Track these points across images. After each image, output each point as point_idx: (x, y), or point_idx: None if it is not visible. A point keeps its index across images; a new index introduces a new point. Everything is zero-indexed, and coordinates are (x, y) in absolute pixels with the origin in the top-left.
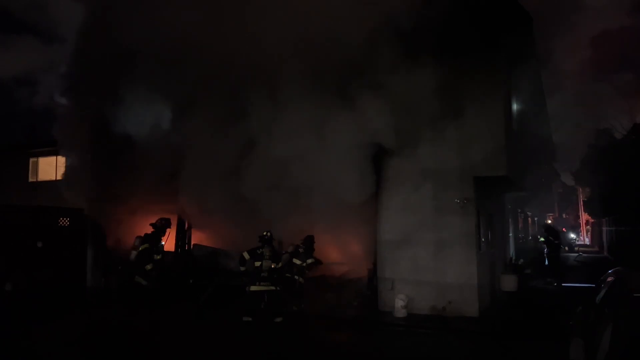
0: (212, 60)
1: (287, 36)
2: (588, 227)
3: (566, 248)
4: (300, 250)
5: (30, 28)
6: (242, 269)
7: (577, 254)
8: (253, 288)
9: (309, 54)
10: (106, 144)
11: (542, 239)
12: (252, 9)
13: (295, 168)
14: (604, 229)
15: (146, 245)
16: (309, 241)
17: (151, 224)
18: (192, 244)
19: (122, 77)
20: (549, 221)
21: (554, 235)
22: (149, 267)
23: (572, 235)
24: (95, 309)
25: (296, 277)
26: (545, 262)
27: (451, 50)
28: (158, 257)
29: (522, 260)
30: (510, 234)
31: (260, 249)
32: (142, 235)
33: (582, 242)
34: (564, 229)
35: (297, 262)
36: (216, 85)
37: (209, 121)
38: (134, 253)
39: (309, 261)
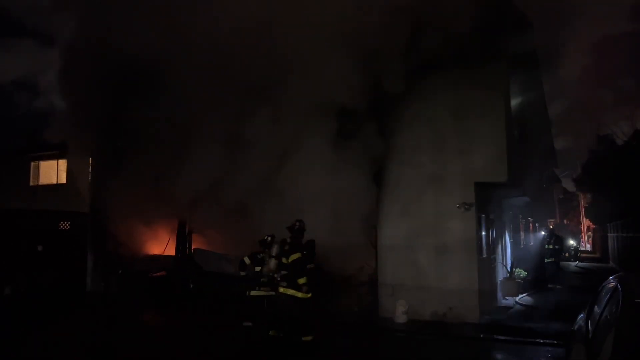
0: (209, 60)
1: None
2: (589, 233)
3: (566, 254)
4: None
5: (30, 31)
6: (242, 273)
7: (576, 262)
8: (253, 293)
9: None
10: (107, 148)
11: (548, 246)
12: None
13: (295, 172)
14: (610, 235)
15: (298, 255)
16: (310, 246)
17: (288, 227)
18: (192, 248)
19: (123, 81)
20: (551, 227)
21: (556, 241)
22: (302, 280)
23: (572, 242)
24: (95, 312)
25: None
26: (545, 267)
27: (452, 56)
28: (311, 265)
29: (523, 266)
30: (511, 240)
31: (261, 254)
32: (280, 241)
33: (584, 248)
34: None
35: None
36: (215, 88)
37: (208, 124)
38: (273, 262)
39: (310, 266)
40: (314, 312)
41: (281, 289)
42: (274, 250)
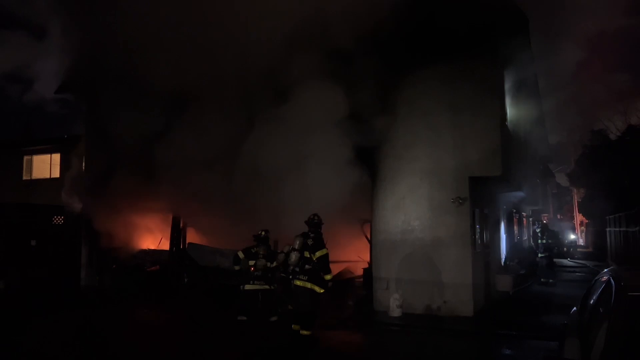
0: (205, 55)
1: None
2: (582, 228)
3: (565, 249)
4: None
5: (22, 23)
6: (237, 268)
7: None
8: (247, 287)
9: (303, 56)
10: (101, 143)
11: (541, 241)
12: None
13: (289, 167)
14: (608, 229)
15: (325, 252)
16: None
17: (306, 221)
18: (186, 242)
19: (116, 75)
20: (544, 221)
21: (549, 236)
22: (328, 277)
23: (572, 237)
24: (89, 307)
25: (291, 277)
26: (538, 262)
27: (447, 51)
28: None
29: (517, 260)
30: (505, 234)
31: (255, 248)
32: (302, 234)
33: (577, 243)
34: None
35: None
36: (209, 83)
37: (203, 119)
38: (295, 254)
39: None
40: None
41: (298, 282)
42: (297, 243)
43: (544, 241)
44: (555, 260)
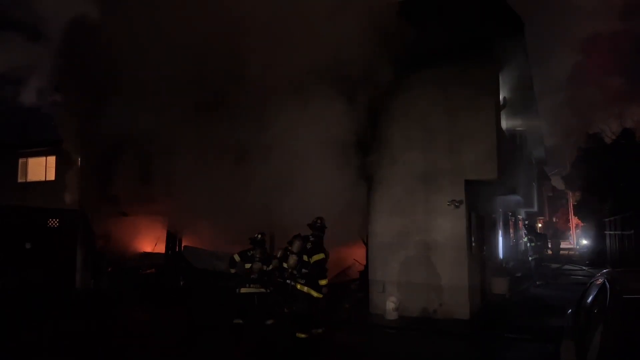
0: (202, 61)
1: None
2: (578, 230)
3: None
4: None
5: (18, 24)
6: (232, 271)
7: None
8: (243, 290)
9: (300, 62)
10: (96, 145)
11: (531, 244)
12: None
13: (285, 168)
14: (607, 233)
15: (322, 256)
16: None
17: (309, 225)
18: (182, 245)
19: (114, 76)
20: (539, 224)
21: (535, 237)
22: (323, 282)
23: (585, 242)
24: (85, 310)
25: (288, 281)
26: (530, 265)
27: (443, 54)
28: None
29: (512, 263)
30: (501, 237)
31: (251, 251)
32: (300, 236)
33: (572, 246)
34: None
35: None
36: (206, 85)
37: (198, 121)
38: (293, 258)
39: None
40: (319, 311)
41: (298, 286)
42: (295, 246)
43: (533, 244)
44: (542, 260)
